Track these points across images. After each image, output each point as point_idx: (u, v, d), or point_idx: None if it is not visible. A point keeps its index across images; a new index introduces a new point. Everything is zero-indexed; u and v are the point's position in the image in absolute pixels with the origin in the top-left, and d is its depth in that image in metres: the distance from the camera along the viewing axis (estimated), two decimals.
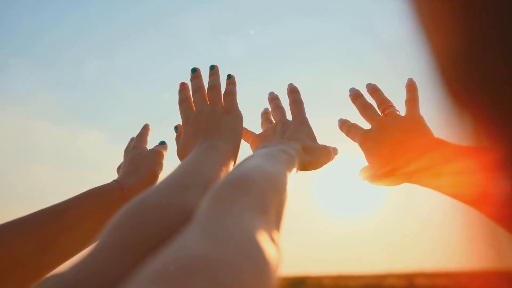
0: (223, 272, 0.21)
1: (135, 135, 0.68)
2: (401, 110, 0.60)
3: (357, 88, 0.64)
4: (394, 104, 0.61)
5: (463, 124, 0.22)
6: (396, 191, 0.59)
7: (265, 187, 0.33)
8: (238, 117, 0.55)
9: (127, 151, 0.65)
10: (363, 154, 0.59)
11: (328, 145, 0.56)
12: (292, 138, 0.53)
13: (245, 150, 0.54)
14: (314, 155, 0.52)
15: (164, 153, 0.63)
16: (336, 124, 0.65)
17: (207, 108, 0.54)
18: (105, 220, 0.34)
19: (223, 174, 0.44)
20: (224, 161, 0.46)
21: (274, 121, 0.61)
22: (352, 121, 0.64)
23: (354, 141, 0.61)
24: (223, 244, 0.24)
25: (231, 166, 0.48)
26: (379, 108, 0.61)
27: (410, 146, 0.54)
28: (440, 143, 0.53)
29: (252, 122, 0.58)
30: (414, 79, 0.61)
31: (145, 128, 0.69)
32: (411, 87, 0.61)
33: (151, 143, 0.67)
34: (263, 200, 0.32)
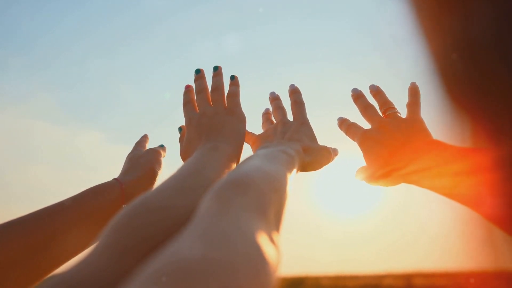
0: (220, 274, 0.21)
1: (138, 137, 0.69)
2: (402, 113, 0.61)
3: (359, 89, 0.64)
4: (396, 106, 0.61)
5: (461, 124, 0.22)
6: (395, 191, 0.59)
7: (265, 187, 0.33)
8: (241, 119, 0.55)
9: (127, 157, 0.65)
10: (362, 154, 0.59)
11: (328, 146, 0.56)
12: (292, 139, 0.53)
13: (247, 151, 0.55)
14: (314, 156, 0.52)
15: (162, 153, 0.64)
16: (335, 124, 0.66)
17: (210, 110, 0.55)
18: (105, 218, 0.34)
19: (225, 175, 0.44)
20: (226, 162, 0.46)
21: (275, 122, 0.61)
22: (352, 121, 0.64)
23: (353, 140, 0.61)
24: (221, 245, 0.24)
25: (233, 168, 0.48)
26: (380, 109, 0.62)
27: (409, 147, 0.54)
28: (438, 144, 0.53)
29: (251, 122, 0.59)
30: (416, 83, 0.62)
31: (144, 137, 0.69)
32: (414, 91, 0.61)
33: (151, 145, 0.68)
34: (262, 200, 0.32)
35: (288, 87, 0.62)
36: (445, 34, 0.22)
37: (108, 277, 0.28)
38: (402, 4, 0.25)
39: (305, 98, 0.61)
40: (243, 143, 0.53)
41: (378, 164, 0.56)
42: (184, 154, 0.54)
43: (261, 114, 0.66)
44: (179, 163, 0.53)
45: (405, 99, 0.62)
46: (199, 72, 0.60)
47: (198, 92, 0.58)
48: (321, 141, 0.57)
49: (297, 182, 0.44)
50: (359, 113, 0.63)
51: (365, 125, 0.62)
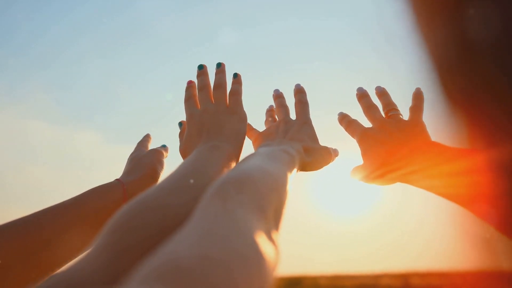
0: (216, 273, 0.21)
1: (137, 137, 0.69)
2: (405, 116, 0.61)
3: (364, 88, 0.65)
4: (399, 109, 0.62)
5: (458, 125, 0.22)
6: (392, 192, 0.59)
7: (264, 186, 0.34)
8: (242, 118, 0.55)
9: (129, 156, 0.65)
10: (360, 152, 0.60)
11: (329, 147, 0.56)
12: (294, 138, 0.53)
13: (246, 149, 0.55)
14: (314, 157, 0.52)
15: (165, 153, 0.64)
16: (334, 125, 0.66)
17: (212, 107, 0.54)
18: (107, 219, 0.34)
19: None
20: (226, 162, 0.46)
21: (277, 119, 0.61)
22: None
23: (353, 137, 0.62)
24: (217, 245, 0.24)
25: (233, 166, 0.48)
26: (383, 110, 0.62)
27: (407, 148, 0.55)
28: (435, 145, 0.54)
29: (250, 120, 0.59)
30: (421, 89, 0.63)
31: (147, 136, 0.69)
32: (418, 96, 0.62)
33: (151, 145, 0.68)
34: (262, 199, 0.32)
35: (293, 86, 0.62)
36: (443, 33, 0.22)
37: (107, 276, 0.29)
38: (400, 5, 0.25)
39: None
40: (243, 143, 0.53)
41: (375, 163, 0.56)
42: (183, 150, 0.54)
43: (265, 111, 0.67)
44: (178, 160, 0.53)
45: (404, 99, 0.63)
46: (202, 68, 0.59)
47: (200, 88, 0.57)
48: (320, 140, 0.57)
49: (294, 181, 0.44)
50: (359, 112, 0.63)
51: (366, 123, 0.62)
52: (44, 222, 0.45)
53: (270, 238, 0.28)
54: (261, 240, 0.26)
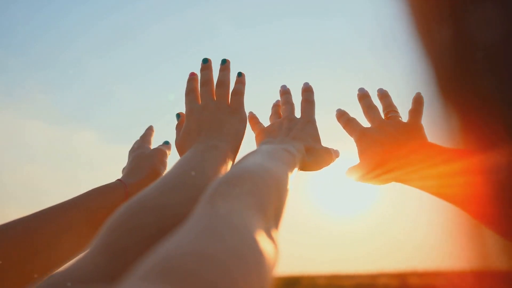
0: (214, 270, 0.21)
1: (135, 136, 0.68)
2: (404, 119, 0.62)
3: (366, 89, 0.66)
4: (399, 111, 0.63)
5: (455, 126, 0.23)
6: (389, 191, 0.60)
7: (265, 184, 0.34)
8: (243, 119, 0.54)
9: (131, 152, 0.64)
10: (357, 151, 0.60)
11: (330, 148, 0.56)
12: (296, 137, 0.53)
13: (244, 149, 0.55)
14: (315, 157, 0.52)
15: (168, 152, 0.63)
16: (333, 124, 0.66)
17: (213, 105, 0.54)
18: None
19: (222, 175, 0.44)
20: (224, 162, 0.46)
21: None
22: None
23: (351, 135, 0.62)
24: (214, 243, 0.24)
25: (229, 167, 0.48)
26: (383, 112, 0.63)
27: (404, 148, 0.55)
28: (431, 146, 0.54)
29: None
30: (421, 94, 0.63)
31: (149, 129, 0.68)
32: (418, 100, 0.62)
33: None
34: (262, 197, 0.32)
35: (302, 85, 0.62)
36: (442, 35, 0.22)
37: (105, 276, 0.29)
38: (397, 5, 0.25)
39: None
40: (241, 144, 0.53)
41: (372, 163, 0.57)
42: (180, 145, 0.53)
43: (271, 106, 0.65)
44: (175, 154, 0.52)
45: (400, 100, 0.63)
46: (206, 62, 0.58)
47: (203, 83, 0.56)
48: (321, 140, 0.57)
49: (293, 181, 0.44)
50: (358, 113, 0.64)
51: (364, 123, 0.63)
52: (45, 222, 0.45)
53: (269, 236, 0.28)
54: (260, 238, 0.26)
